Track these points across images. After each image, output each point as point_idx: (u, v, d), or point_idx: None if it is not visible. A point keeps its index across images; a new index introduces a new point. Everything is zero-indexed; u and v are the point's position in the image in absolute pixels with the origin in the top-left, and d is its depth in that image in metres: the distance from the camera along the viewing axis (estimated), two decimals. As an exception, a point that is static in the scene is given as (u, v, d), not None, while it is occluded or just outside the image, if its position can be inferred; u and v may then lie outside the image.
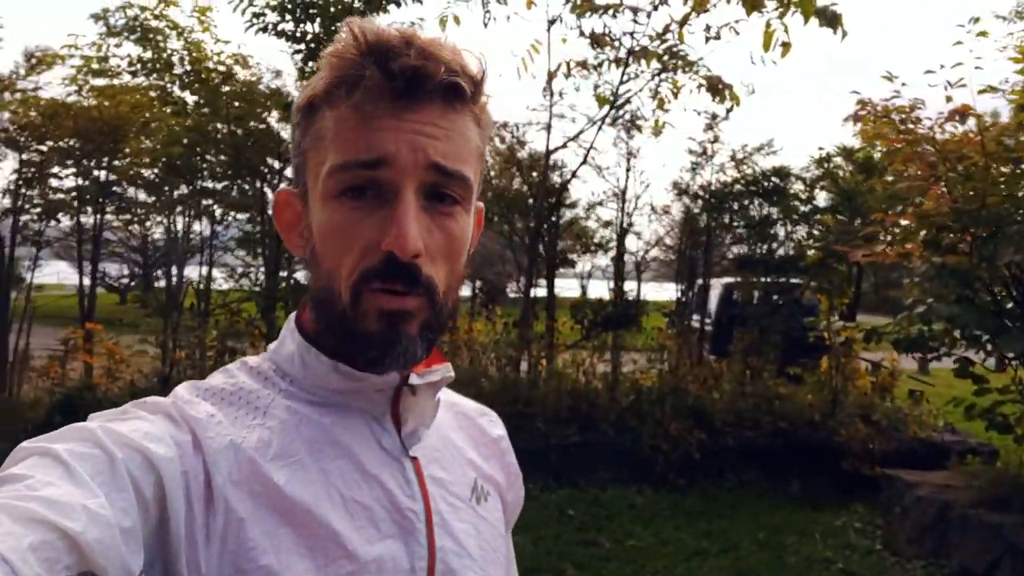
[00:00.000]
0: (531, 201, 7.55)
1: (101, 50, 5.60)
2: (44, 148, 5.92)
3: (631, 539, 4.55)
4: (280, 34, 5.48)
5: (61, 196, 6.37)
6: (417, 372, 0.70)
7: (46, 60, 5.62)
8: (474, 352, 6.54)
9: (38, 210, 6.31)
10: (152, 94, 6.11)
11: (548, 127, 6.53)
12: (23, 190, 6.13)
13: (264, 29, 5.48)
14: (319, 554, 0.60)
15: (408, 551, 0.65)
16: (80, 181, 6.26)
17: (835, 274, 6.91)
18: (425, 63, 0.61)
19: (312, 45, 5.56)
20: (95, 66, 5.64)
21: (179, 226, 7.15)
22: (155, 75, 5.78)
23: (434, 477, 0.71)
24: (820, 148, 18.47)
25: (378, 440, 0.68)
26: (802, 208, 8.63)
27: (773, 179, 7.95)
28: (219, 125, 6.09)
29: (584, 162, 7.07)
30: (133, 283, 18.71)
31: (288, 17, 5.41)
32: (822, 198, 12.35)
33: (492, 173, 8.35)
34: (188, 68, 5.76)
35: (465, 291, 9.41)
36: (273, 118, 6.28)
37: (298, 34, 5.53)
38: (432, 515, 0.69)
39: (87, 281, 6.59)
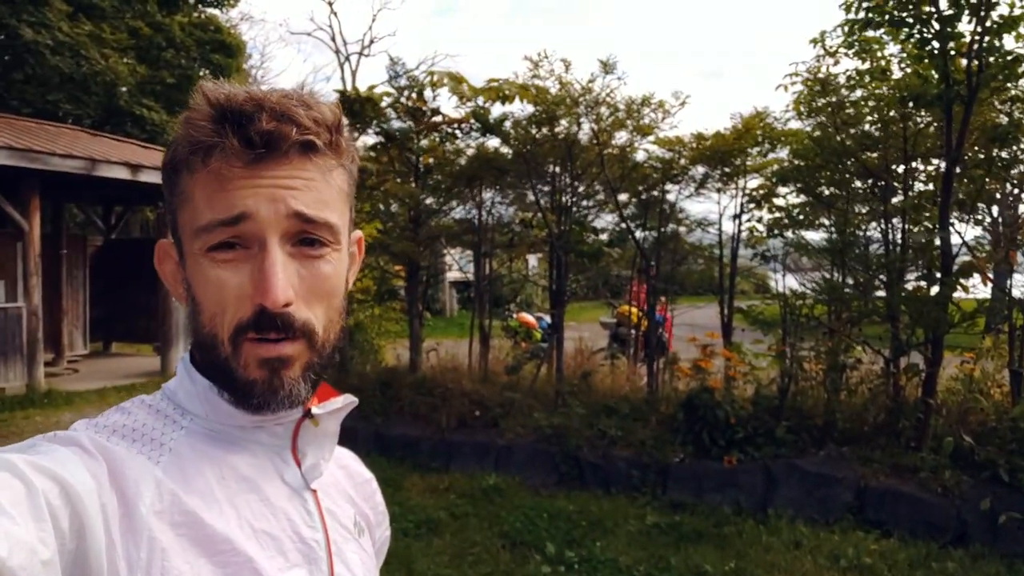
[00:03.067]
0: None
1: (820, 72, 5.98)
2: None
3: None
4: (893, 22, 5.01)
5: (780, 214, 7.03)
6: (315, 405, 0.74)
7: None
8: None
9: (761, 228, 7.13)
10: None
11: None
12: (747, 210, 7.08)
13: (869, 23, 5.09)
14: None
15: None
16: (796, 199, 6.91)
17: None
18: (278, 125, 0.64)
19: (933, 25, 4.91)
20: (817, 88, 6.05)
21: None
22: (870, 86, 5.89)
23: (328, 509, 0.76)
24: None
25: (280, 474, 0.73)
26: None
27: None
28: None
29: None
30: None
31: (899, 2, 4.90)
32: None
33: None
34: (907, 71, 5.66)
35: None
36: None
37: (908, 18, 4.95)
38: (331, 544, 0.74)
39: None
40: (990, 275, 5.57)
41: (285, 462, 0.74)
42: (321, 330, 0.69)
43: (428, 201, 7.82)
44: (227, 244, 0.65)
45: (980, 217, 6.35)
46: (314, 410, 0.73)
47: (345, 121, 0.72)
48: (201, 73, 18.94)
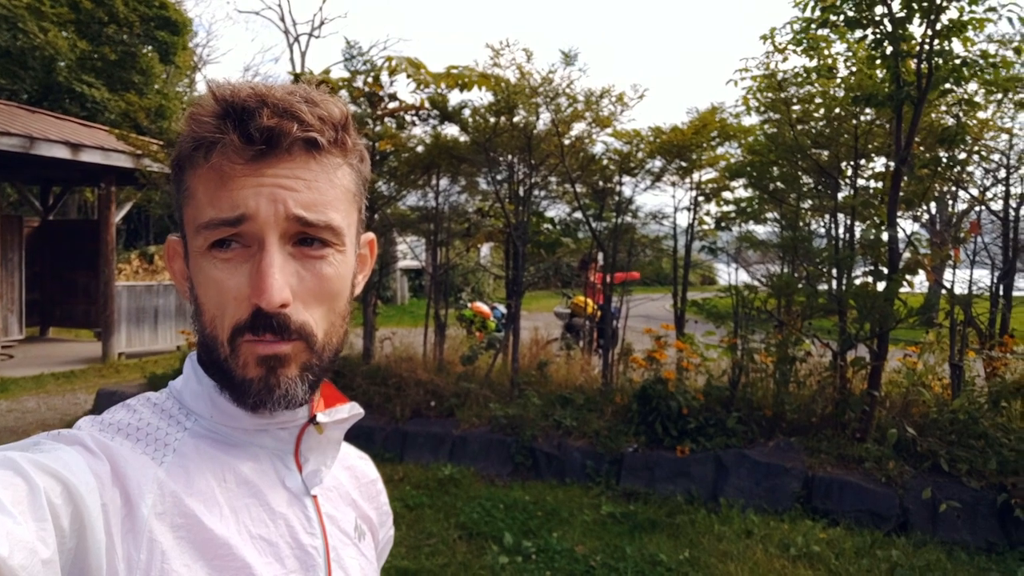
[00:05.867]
0: None
1: (768, 68, 6.02)
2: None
3: None
4: (847, 22, 5.12)
5: (729, 209, 7.14)
6: (321, 411, 0.73)
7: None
8: None
9: (710, 221, 7.27)
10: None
11: None
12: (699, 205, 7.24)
13: (825, 23, 5.20)
14: None
15: None
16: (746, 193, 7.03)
17: None
18: (280, 121, 0.63)
19: (886, 27, 5.03)
20: (765, 84, 6.10)
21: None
22: (818, 83, 5.96)
23: (328, 515, 0.76)
24: None
25: (282, 480, 0.72)
26: None
27: None
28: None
29: None
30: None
31: (853, 3, 5.01)
32: None
33: None
34: (853, 70, 5.74)
35: None
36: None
37: (861, 19, 5.06)
38: (329, 551, 0.73)
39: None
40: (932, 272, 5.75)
41: (287, 467, 0.73)
42: (321, 334, 0.68)
43: (382, 188, 7.71)
44: (226, 242, 0.65)
45: (918, 214, 6.58)
46: (319, 417, 0.73)
47: (353, 119, 0.70)
48: (144, 50, 18.34)
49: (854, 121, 5.84)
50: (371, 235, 0.78)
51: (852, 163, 6.07)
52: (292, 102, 0.64)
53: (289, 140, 0.64)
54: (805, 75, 5.96)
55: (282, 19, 39.72)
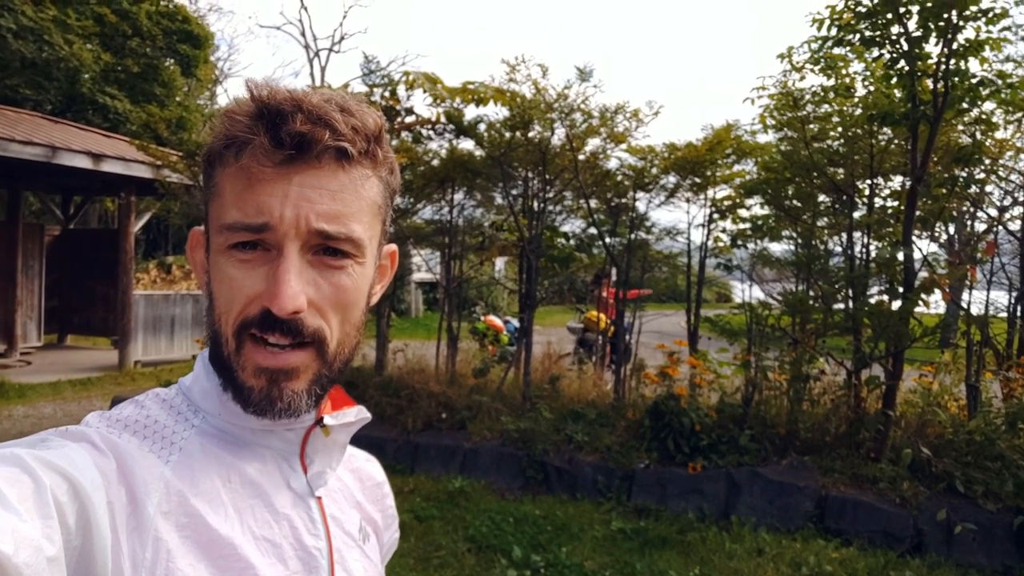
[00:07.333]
0: None
1: (786, 86, 6.04)
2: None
3: None
4: (863, 41, 5.13)
5: (744, 227, 7.13)
6: (329, 414, 0.73)
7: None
8: None
9: (725, 238, 7.24)
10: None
11: None
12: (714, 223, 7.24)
13: (841, 42, 5.21)
14: None
15: None
16: (763, 210, 7.02)
17: None
18: (312, 128, 0.63)
19: (902, 46, 5.04)
20: (783, 103, 6.11)
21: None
22: (835, 102, 5.97)
23: (333, 516, 0.75)
24: None
25: (287, 481, 0.72)
26: None
27: None
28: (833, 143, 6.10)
29: None
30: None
31: (869, 22, 5.02)
32: None
33: None
34: (871, 89, 5.73)
35: None
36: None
37: (877, 38, 5.07)
38: (333, 552, 0.73)
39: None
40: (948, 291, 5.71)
41: (292, 468, 0.73)
42: (334, 342, 0.68)
43: (398, 201, 7.77)
44: (249, 244, 0.65)
45: (937, 234, 6.54)
46: (327, 420, 0.73)
47: (386, 131, 0.70)
48: (167, 63, 18.62)
49: (871, 140, 5.83)
50: (393, 247, 0.78)
51: (868, 181, 6.05)
52: (327, 109, 0.64)
53: (320, 148, 0.64)
54: (823, 94, 5.96)
55: (303, 34, 40.22)
